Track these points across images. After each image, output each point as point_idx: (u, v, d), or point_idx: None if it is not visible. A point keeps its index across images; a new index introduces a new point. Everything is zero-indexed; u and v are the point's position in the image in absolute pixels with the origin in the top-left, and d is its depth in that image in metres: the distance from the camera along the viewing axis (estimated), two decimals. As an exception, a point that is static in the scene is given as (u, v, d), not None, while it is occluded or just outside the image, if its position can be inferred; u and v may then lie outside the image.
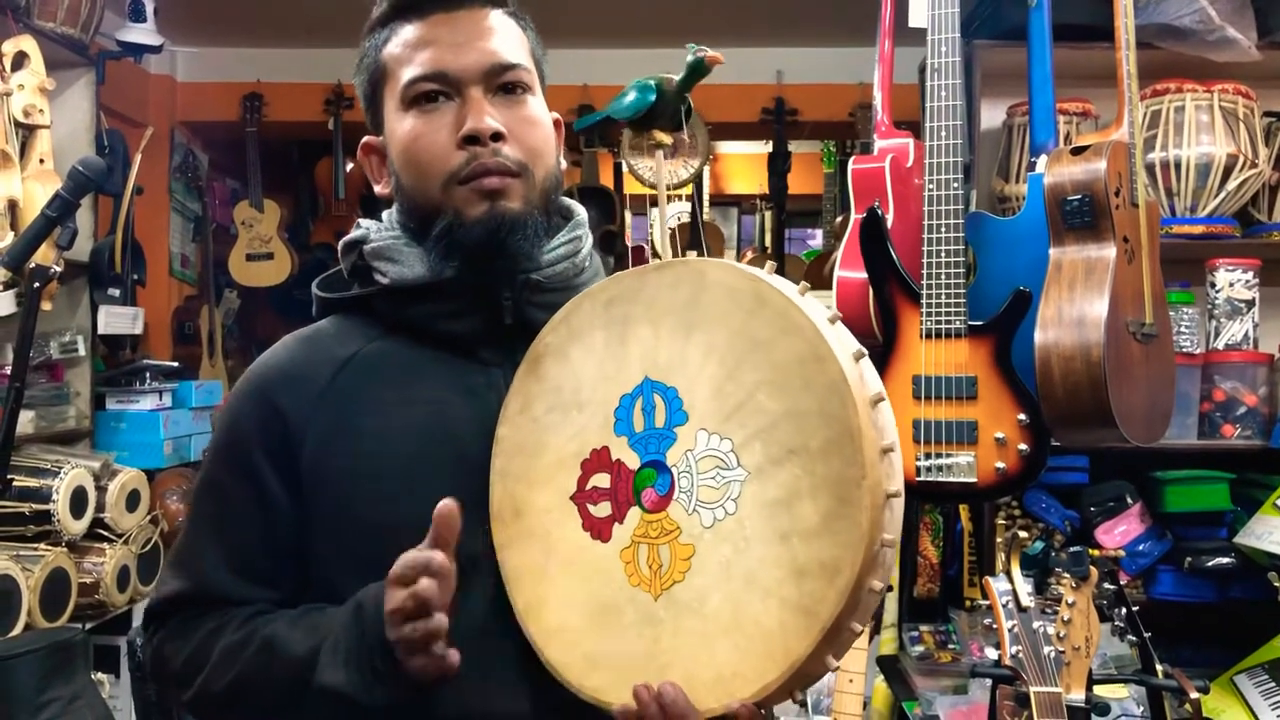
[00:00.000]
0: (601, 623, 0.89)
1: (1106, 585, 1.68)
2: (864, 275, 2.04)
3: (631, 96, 0.98)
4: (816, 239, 5.77)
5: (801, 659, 0.80)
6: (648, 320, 0.92)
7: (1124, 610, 1.69)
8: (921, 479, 1.92)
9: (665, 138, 0.96)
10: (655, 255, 5.72)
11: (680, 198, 5.43)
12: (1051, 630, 1.58)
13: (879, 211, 2.00)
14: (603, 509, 0.92)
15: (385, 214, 1.13)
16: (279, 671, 0.96)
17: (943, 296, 1.94)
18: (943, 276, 1.94)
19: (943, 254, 1.94)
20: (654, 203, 5.92)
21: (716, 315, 0.87)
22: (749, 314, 0.86)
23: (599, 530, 0.91)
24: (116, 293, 2.89)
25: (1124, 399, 1.82)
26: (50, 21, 2.75)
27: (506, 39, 1.06)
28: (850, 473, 0.79)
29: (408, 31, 1.06)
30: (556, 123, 1.14)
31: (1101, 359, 1.77)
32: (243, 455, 1.03)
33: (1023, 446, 1.86)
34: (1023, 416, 1.86)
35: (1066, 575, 1.61)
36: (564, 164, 1.14)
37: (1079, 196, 1.85)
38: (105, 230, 3.01)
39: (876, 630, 2.44)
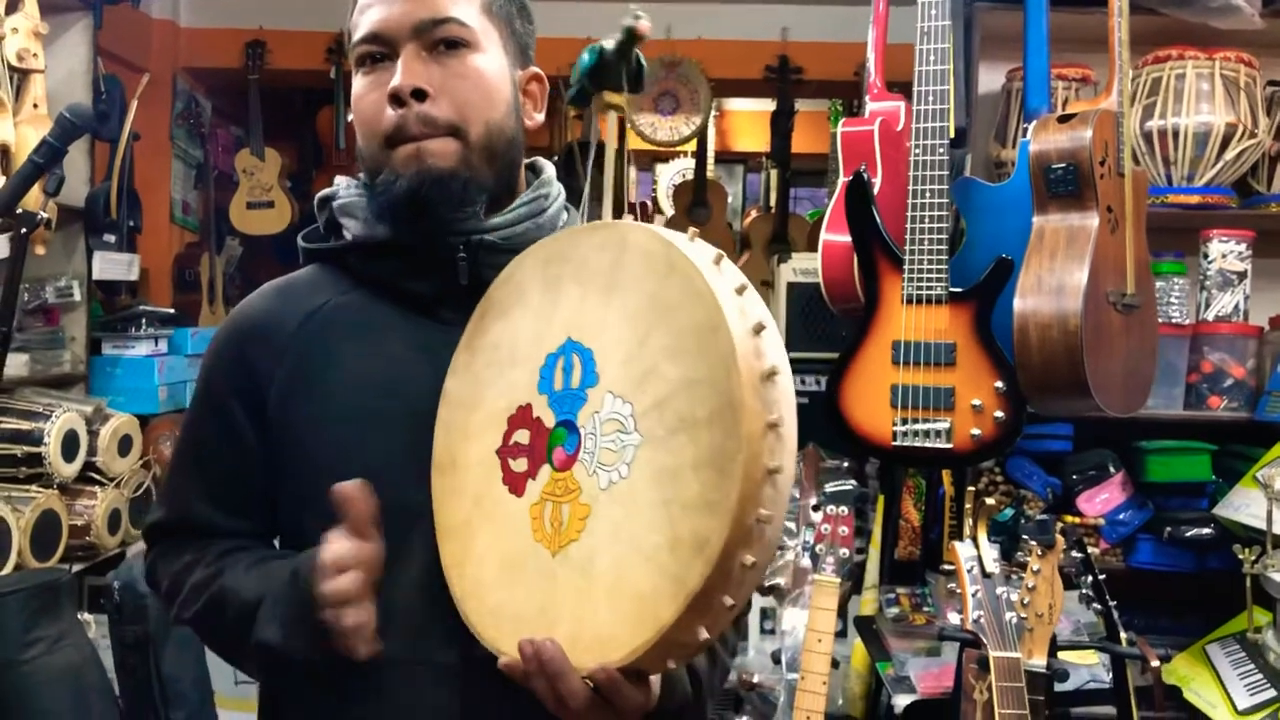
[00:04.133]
0: (508, 576, 0.92)
1: (1074, 553, 1.70)
2: (849, 239, 2.04)
3: (583, 59, 0.98)
4: (823, 198, 5.75)
5: (667, 626, 0.81)
6: (577, 281, 0.93)
7: (1090, 578, 1.71)
8: (898, 444, 1.94)
9: (616, 99, 0.95)
10: (658, 211, 5.70)
11: (684, 154, 5.41)
12: (1015, 597, 1.60)
13: (865, 175, 2.00)
14: (520, 464, 0.93)
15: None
16: (230, 616, 1.02)
17: (925, 262, 1.94)
18: (926, 242, 1.94)
19: (927, 219, 1.93)
20: (658, 159, 5.89)
21: (634, 279, 0.88)
22: (661, 279, 0.86)
23: (515, 485, 0.93)
24: (112, 239, 2.91)
25: (1100, 369, 1.82)
26: (46, -36, 2.74)
27: None
28: (728, 445, 0.80)
29: None
30: (537, 77, 1.14)
31: (1079, 328, 1.78)
32: (217, 397, 1.09)
33: (999, 414, 1.87)
34: (1000, 384, 1.87)
35: (1033, 542, 1.62)
36: (538, 119, 1.13)
37: (1063, 165, 1.85)
38: (102, 176, 3.02)
39: (857, 590, 2.47)
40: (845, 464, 2.16)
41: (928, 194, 1.94)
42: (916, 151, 1.93)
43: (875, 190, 2.06)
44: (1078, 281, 1.80)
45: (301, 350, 1.06)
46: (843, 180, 2.11)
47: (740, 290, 0.86)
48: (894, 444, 1.94)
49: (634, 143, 4.61)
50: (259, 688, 1.14)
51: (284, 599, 0.98)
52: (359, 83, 1.06)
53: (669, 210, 5.33)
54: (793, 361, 2.72)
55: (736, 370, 0.80)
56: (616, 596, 0.84)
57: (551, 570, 0.89)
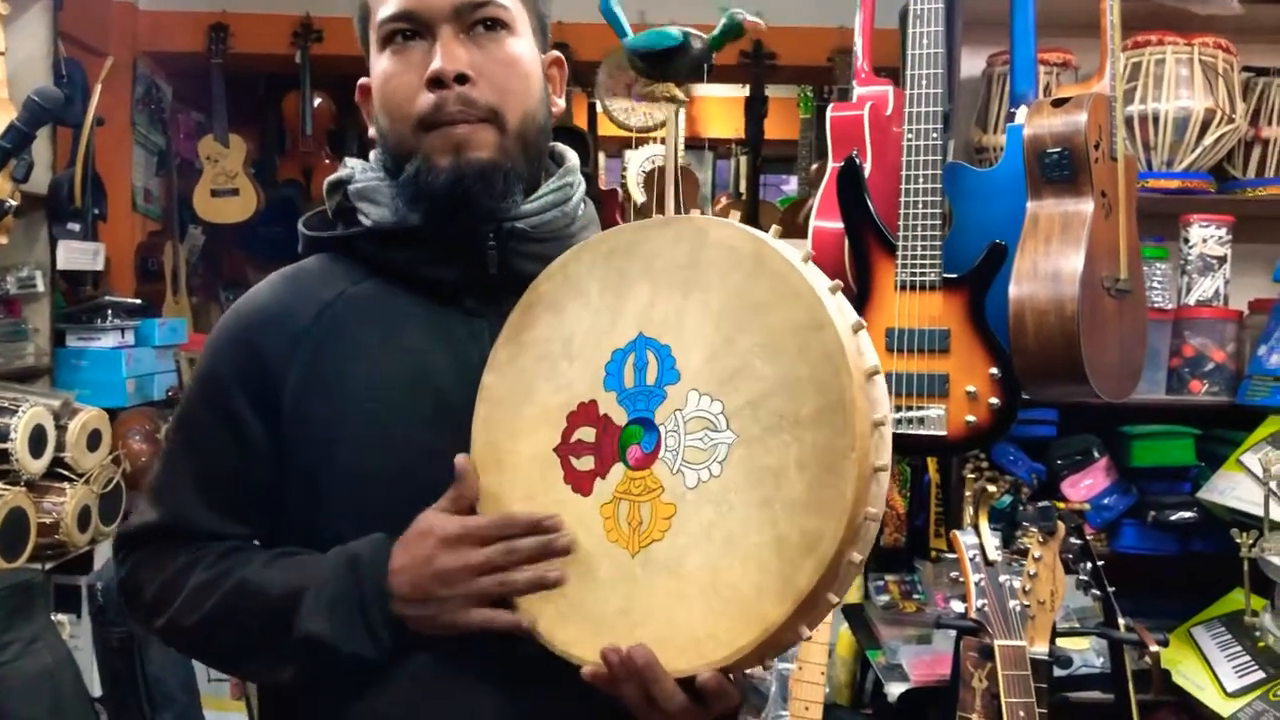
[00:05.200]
0: (577, 577, 0.89)
1: (1072, 540, 1.69)
2: (840, 225, 2.02)
3: (642, 38, 0.94)
4: (791, 185, 5.73)
5: (776, 625, 0.80)
6: (646, 275, 0.90)
7: (1089, 564, 1.71)
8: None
9: (679, 93, 0.92)
10: (628, 199, 5.66)
11: (654, 140, 5.37)
12: (1018, 584, 1.59)
13: (856, 160, 1.98)
14: (586, 463, 0.91)
15: (373, 154, 1.11)
16: (253, 613, 0.97)
17: (918, 248, 1.92)
18: (919, 228, 1.92)
19: (920, 205, 1.92)
20: (629, 145, 5.84)
21: (716, 275, 0.86)
22: (748, 276, 0.85)
23: (580, 484, 0.91)
24: (76, 227, 2.82)
25: (1096, 354, 1.82)
26: (4, -57, 2.65)
27: None
28: (839, 443, 0.79)
29: None
30: (557, 61, 1.11)
31: (1076, 314, 1.77)
32: (221, 394, 1.03)
33: (993, 400, 1.87)
34: (994, 370, 1.87)
35: (1034, 529, 1.62)
36: (560, 105, 1.11)
37: (1058, 150, 1.84)
38: (65, 163, 2.93)
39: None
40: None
41: (921, 179, 1.92)
42: (909, 136, 1.92)
43: (866, 175, 2.05)
44: (1074, 267, 1.79)
45: (318, 344, 1.01)
46: (833, 166, 2.09)
47: (834, 290, 0.85)
48: (888, 431, 1.92)
49: (605, 128, 4.57)
50: (259, 693, 1.10)
51: (336, 586, 0.93)
52: (387, 61, 1.02)
53: (639, 197, 5.29)
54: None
55: (847, 369, 0.79)
56: (712, 597, 0.83)
57: (631, 571, 0.86)
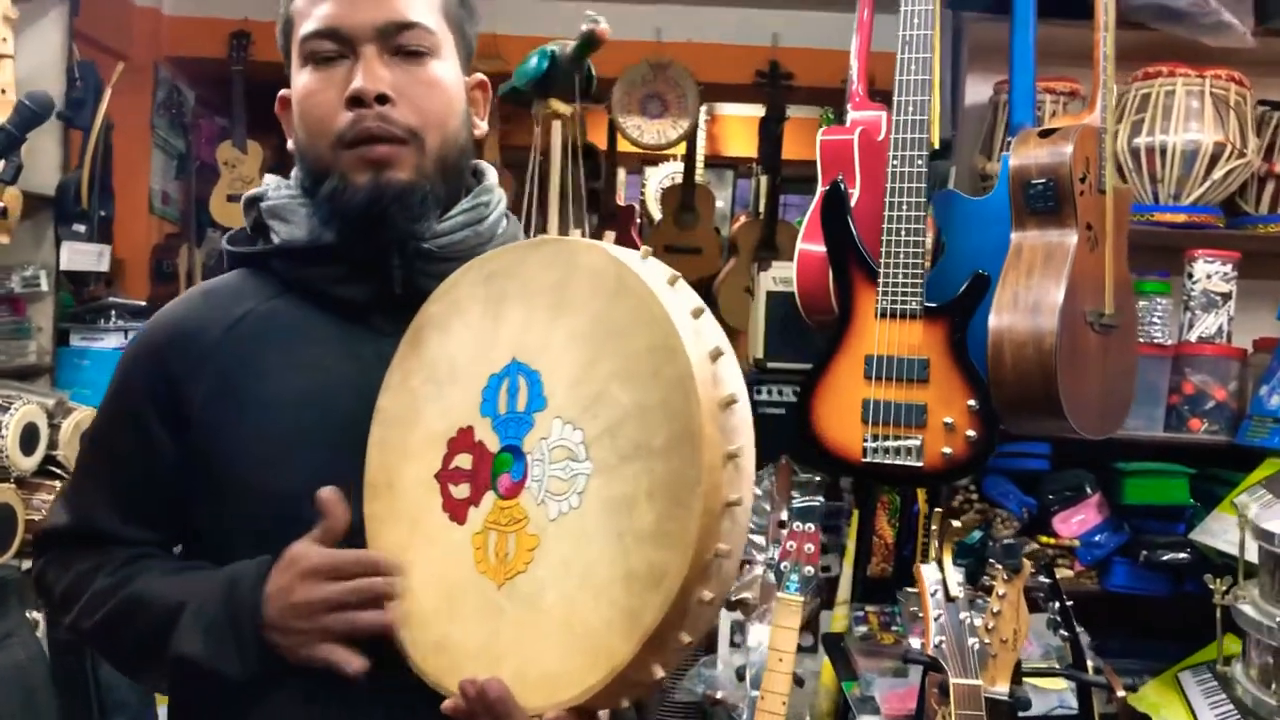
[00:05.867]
0: (449, 607, 0.88)
1: (1042, 579, 1.67)
2: (825, 249, 2.01)
3: (531, 63, 0.94)
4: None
5: (623, 664, 0.78)
6: (521, 298, 0.90)
7: (1057, 604, 1.68)
8: (868, 459, 1.91)
9: (563, 107, 0.92)
10: (645, 216, 5.67)
11: (674, 157, 5.37)
12: (979, 622, 1.57)
13: (841, 186, 1.97)
14: (462, 490, 0.90)
15: (294, 171, 1.11)
16: (141, 625, 0.99)
17: (900, 276, 1.91)
18: (901, 256, 1.91)
19: (903, 232, 1.91)
20: (647, 161, 5.86)
21: (582, 299, 0.85)
22: (611, 300, 0.84)
23: (456, 512, 0.90)
24: (82, 229, 2.86)
25: (1075, 390, 1.80)
26: (21, -53, 2.70)
27: None
28: (688, 474, 0.77)
29: None
30: (482, 84, 1.12)
31: (1053, 348, 1.75)
32: (132, 406, 1.05)
33: (971, 433, 1.85)
34: (973, 402, 1.84)
35: (999, 566, 1.59)
36: (484, 127, 1.11)
37: (1043, 180, 1.82)
38: (76, 164, 2.98)
39: (829, 606, 2.44)
40: (818, 478, 2.14)
41: (905, 206, 1.91)
42: (894, 163, 1.90)
43: (854, 201, 2.04)
44: (1054, 299, 1.77)
45: (225, 360, 1.02)
46: (820, 190, 2.09)
47: (697, 313, 0.83)
48: (864, 460, 1.91)
49: (622, 145, 4.58)
50: (170, 698, 1.11)
51: (213, 609, 0.94)
52: (308, 78, 1.02)
53: (657, 214, 5.30)
54: (770, 371, 2.69)
55: (695, 396, 0.77)
56: (566, 633, 0.81)
57: (497, 604, 0.85)
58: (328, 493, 0.93)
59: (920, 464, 1.88)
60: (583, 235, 0.93)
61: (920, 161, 1.90)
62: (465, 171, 1.09)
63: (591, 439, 0.82)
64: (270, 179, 1.11)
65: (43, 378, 2.91)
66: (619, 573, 0.79)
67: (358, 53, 1.00)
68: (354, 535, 0.96)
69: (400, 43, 1.01)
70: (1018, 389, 1.78)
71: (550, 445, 0.84)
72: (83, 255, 2.89)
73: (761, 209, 5.03)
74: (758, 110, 4.53)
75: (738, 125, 5.56)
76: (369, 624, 0.91)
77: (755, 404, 3.11)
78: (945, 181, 2.61)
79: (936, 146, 2.64)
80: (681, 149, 4.62)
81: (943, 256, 2.15)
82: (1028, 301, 1.79)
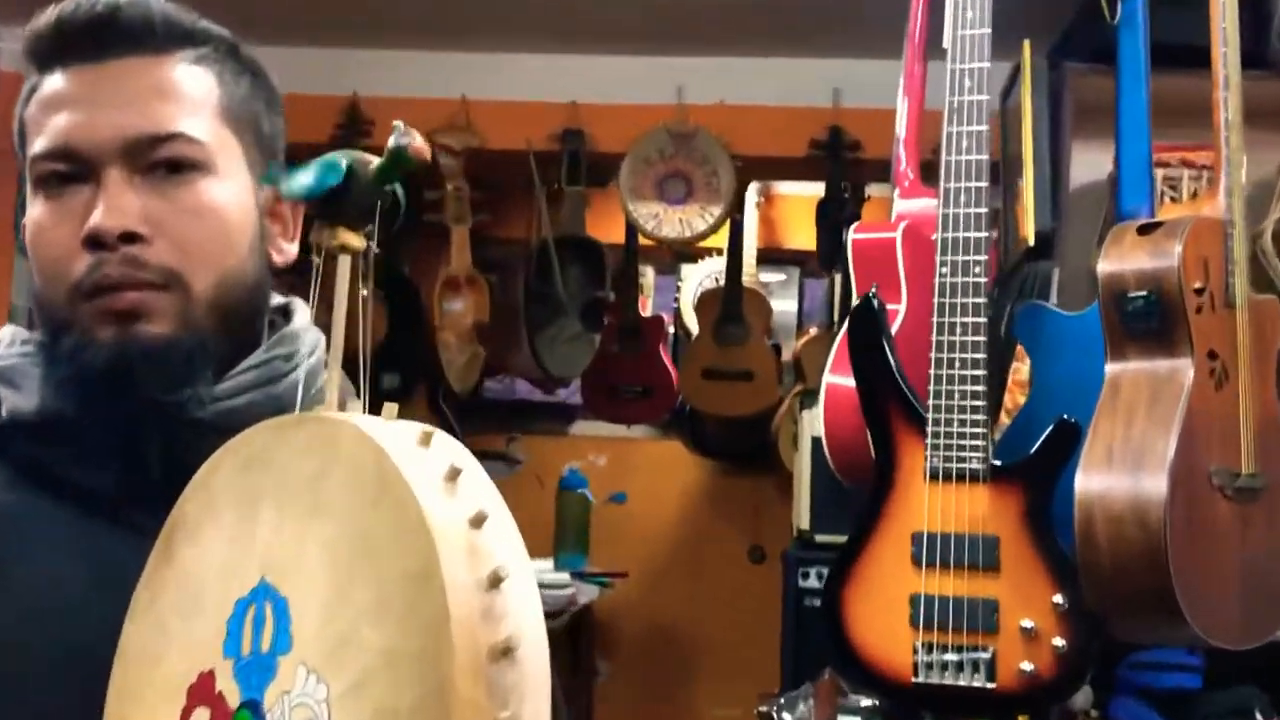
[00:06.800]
0: None
1: None
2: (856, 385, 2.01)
3: (307, 175, 0.94)
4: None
5: None
6: (276, 495, 0.90)
7: None
8: (920, 679, 1.88)
9: (353, 239, 0.91)
10: (682, 330, 5.71)
11: (717, 252, 5.43)
12: None
13: (874, 301, 1.98)
14: None
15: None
16: None
17: (957, 424, 1.90)
18: (956, 396, 1.91)
19: (956, 364, 1.91)
20: (683, 257, 5.92)
21: (340, 501, 0.86)
22: (370, 503, 0.84)
23: None
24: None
25: (1200, 581, 1.76)
26: None
27: (173, 98, 1.05)
28: None
29: (48, 85, 1.06)
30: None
31: (1163, 522, 1.72)
32: None
33: (1059, 641, 1.82)
34: (1059, 599, 1.82)
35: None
36: (290, 251, 1.13)
37: (1143, 294, 1.82)
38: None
39: None
40: (874, 702, 2.12)
41: (958, 329, 1.91)
42: (942, 271, 1.92)
43: (898, 322, 2.05)
44: (1163, 454, 1.75)
45: None
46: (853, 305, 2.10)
47: (452, 476, 0.83)
48: (915, 679, 1.88)
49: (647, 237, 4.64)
50: None
51: None
52: (40, 209, 1.04)
53: (694, 325, 5.33)
54: (816, 547, 2.71)
55: (449, 646, 0.76)
56: None
57: None
58: None
59: (992, 685, 1.85)
60: (369, 403, 0.94)
61: (978, 269, 1.91)
62: (260, 315, 1.10)
63: (335, 697, 0.82)
64: (6, 331, 1.13)
65: None
66: None
67: (100, 177, 1.02)
68: None
69: (157, 159, 1.02)
70: (1117, 581, 1.75)
71: (292, 701, 0.84)
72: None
73: (835, 318, 5.05)
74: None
75: (803, 208, 5.62)
76: None
77: (800, 592, 3.12)
78: (1046, 290, 2.62)
79: (1031, 243, 2.68)
80: (717, 240, 4.67)
81: (1030, 391, 2.15)
82: (1127, 458, 1.77)
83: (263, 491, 0.91)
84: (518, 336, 4.49)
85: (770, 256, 5.73)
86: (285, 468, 0.90)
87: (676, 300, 5.89)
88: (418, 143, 0.91)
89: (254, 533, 0.91)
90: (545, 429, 5.86)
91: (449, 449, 0.87)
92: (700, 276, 5.85)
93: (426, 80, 4.07)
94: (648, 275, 5.89)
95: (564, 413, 5.85)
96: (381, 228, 0.94)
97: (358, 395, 0.94)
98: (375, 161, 0.92)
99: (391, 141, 0.90)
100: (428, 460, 0.85)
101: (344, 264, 0.94)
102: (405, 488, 0.82)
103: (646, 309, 5.62)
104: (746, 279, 5.12)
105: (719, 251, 5.43)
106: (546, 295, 4.44)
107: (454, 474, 0.86)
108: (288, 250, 1.13)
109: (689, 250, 5.25)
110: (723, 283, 5.16)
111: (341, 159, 0.93)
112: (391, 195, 0.93)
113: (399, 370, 4.61)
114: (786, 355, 5.43)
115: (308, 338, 1.12)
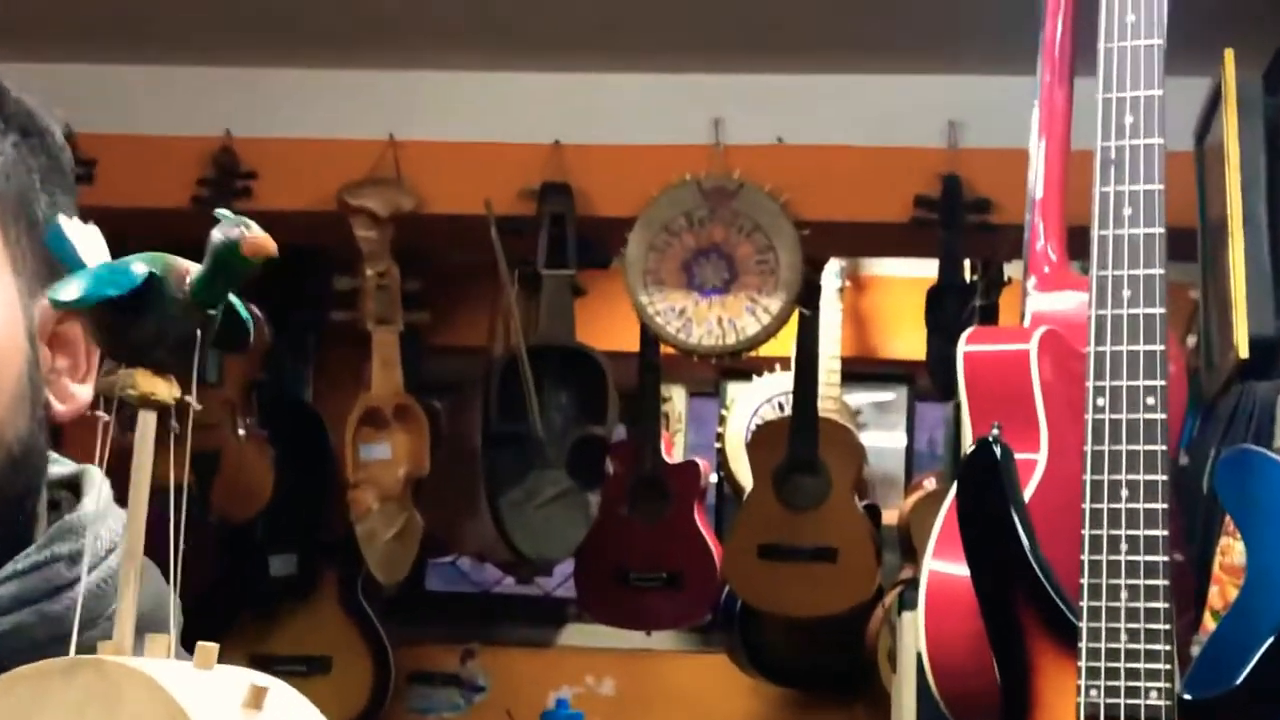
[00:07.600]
0: None
1: None
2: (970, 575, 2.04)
3: (79, 282, 0.92)
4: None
5: None
6: None
7: None
8: None
9: (159, 387, 0.89)
10: (728, 483, 5.72)
11: (779, 364, 5.43)
12: None
13: (996, 448, 1.99)
14: None
15: None
16: None
17: (1124, 638, 1.91)
18: (1124, 594, 1.92)
19: (1124, 545, 1.92)
20: (729, 373, 5.92)
21: None
22: None
23: None
24: None
25: None
26: None
27: None
28: None
29: None
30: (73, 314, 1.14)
31: None
32: None
33: None
34: None
35: None
36: (81, 396, 1.13)
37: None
38: None
39: None
40: None
41: (1127, 492, 1.92)
42: (1099, 405, 1.93)
43: (1035, 480, 2.07)
44: None
45: None
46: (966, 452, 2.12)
47: None
48: None
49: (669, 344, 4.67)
50: None
51: None
52: None
53: (746, 476, 5.31)
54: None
55: None
56: None
57: None
58: None
59: None
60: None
61: (1153, 399, 1.92)
62: (33, 493, 1.12)
63: None
64: None
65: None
66: None
67: None
68: None
69: None
70: None
71: None
72: None
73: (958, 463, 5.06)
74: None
75: (908, 298, 5.64)
76: None
77: None
78: (1268, 426, 2.63)
79: (1244, 355, 2.70)
80: (781, 348, 4.69)
81: (1243, 586, 2.16)
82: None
83: None
84: (473, 496, 4.48)
85: (862, 371, 5.77)
86: None
87: (720, 438, 5.90)
88: (251, 234, 0.90)
89: None
90: (520, 637, 5.89)
91: (292, 716, 0.88)
92: (756, 401, 5.86)
93: (334, 111, 4.14)
94: (674, 399, 5.91)
95: (548, 612, 5.88)
96: (216, 358, 0.95)
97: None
98: (195, 269, 0.92)
99: (215, 236, 0.89)
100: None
101: (145, 423, 0.93)
102: None
103: (673, 452, 5.62)
104: (824, 405, 5.12)
105: (783, 364, 5.44)
106: (516, 434, 4.43)
107: None
108: (78, 395, 1.13)
109: (737, 364, 5.25)
110: (789, 410, 5.16)
111: (139, 264, 0.92)
112: (223, 317, 0.92)
113: (295, 548, 4.64)
114: (889, 520, 5.41)
115: (103, 529, 1.13)
